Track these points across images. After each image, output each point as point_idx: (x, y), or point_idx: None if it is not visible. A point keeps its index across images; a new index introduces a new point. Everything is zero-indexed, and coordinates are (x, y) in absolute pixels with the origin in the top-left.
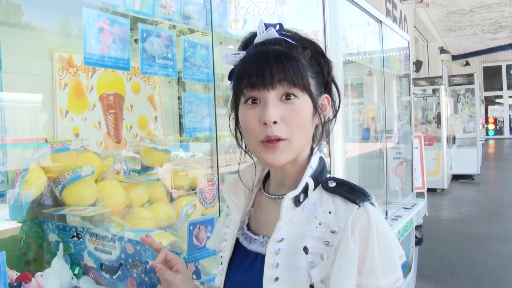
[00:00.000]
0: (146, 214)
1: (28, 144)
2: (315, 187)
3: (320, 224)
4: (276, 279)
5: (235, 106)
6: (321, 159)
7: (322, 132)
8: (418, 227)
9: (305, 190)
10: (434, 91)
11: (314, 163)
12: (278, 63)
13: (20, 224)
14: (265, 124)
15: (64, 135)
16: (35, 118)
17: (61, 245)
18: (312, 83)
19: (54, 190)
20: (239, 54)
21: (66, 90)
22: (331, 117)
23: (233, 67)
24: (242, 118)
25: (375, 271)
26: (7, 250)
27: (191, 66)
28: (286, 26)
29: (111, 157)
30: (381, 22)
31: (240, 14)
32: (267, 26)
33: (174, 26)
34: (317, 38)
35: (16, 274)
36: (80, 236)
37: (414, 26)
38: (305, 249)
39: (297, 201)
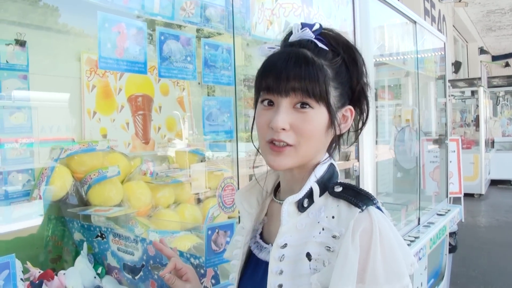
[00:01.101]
0: (172, 215)
1: (54, 144)
2: (323, 193)
3: (323, 229)
4: (280, 286)
5: (255, 102)
6: (331, 166)
7: (337, 144)
8: (452, 234)
9: (311, 195)
10: (472, 92)
11: (319, 171)
12: (296, 69)
13: (44, 223)
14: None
15: (91, 136)
16: (62, 118)
17: (85, 245)
18: (333, 94)
19: (80, 190)
20: (274, 48)
21: (94, 91)
22: (353, 128)
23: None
24: (256, 116)
25: (378, 278)
26: (32, 248)
27: (211, 69)
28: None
29: (139, 158)
30: (415, 22)
31: (264, 16)
32: (303, 25)
33: (201, 30)
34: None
35: (39, 272)
36: (104, 236)
37: (453, 26)
38: (308, 256)
39: (300, 206)
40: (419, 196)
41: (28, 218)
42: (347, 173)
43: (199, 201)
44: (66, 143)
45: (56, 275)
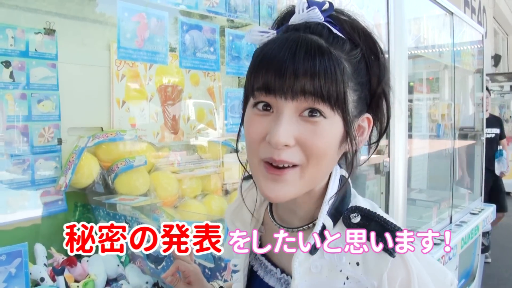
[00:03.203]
0: (198, 206)
1: (82, 132)
2: (335, 221)
3: (347, 278)
4: None
5: (244, 102)
6: (342, 180)
7: (352, 162)
8: (485, 234)
9: (322, 230)
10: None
11: (331, 192)
12: (308, 62)
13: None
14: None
15: (120, 125)
16: (90, 107)
17: None
18: (351, 98)
19: (107, 179)
20: (268, 33)
21: (123, 81)
22: (370, 140)
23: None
24: (246, 125)
25: None
26: (58, 233)
27: (235, 60)
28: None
29: (167, 148)
30: (452, 13)
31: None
32: (310, 3)
33: (230, 21)
34: (379, 32)
35: (63, 258)
36: (129, 224)
37: (494, 18)
38: None
39: (313, 250)
40: (452, 194)
41: (53, 205)
42: (376, 168)
43: (226, 192)
44: (95, 131)
45: (80, 261)
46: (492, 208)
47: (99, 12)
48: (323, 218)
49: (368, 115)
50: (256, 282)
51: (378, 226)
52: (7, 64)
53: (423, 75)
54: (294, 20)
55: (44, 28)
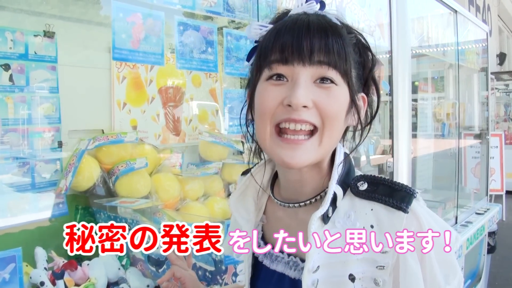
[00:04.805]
0: (200, 208)
1: (83, 135)
2: (344, 193)
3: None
4: None
5: (252, 87)
6: (345, 155)
7: (361, 133)
8: (491, 234)
9: (333, 200)
10: None
11: (338, 161)
12: (322, 35)
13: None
14: (290, 106)
15: (121, 127)
16: (91, 109)
17: None
18: (353, 73)
19: (108, 181)
20: (267, 27)
21: (124, 83)
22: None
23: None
24: (260, 95)
25: (438, 283)
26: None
27: (233, 60)
28: (346, 17)
29: (168, 150)
30: (456, 12)
31: (292, 4)
32: None
33: (233, 21)
34: (382, 31)
35: (63, 261)
36: (130, 227)
37: (498, 16)
38: (351, 277)
39: (325, 218)
40: (457, 194)
41: (54, 208)
42: (380, 169)
43: (229, 194)
44: (95, 134)
45: (80, 265)
46: (497, 208)
47: (98, 14)
48: (334, 187)
49: (363, 94)
50: (262, 271)
51: (386, 188)
52: (7, 67)
53: (428, 74)
54: (294, 11)
55: (44, 31)
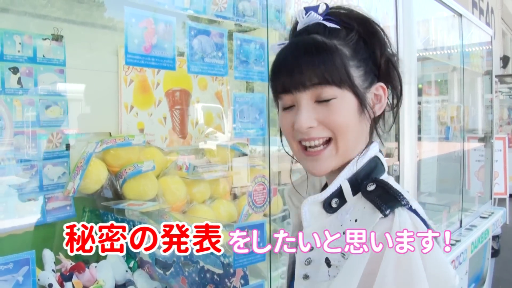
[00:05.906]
0: (207, 211)
1: (90, 138)
2: (357, 192)
3: (343, 233)
4: None
5: (277, 105)
6: (373, 159)
7: (375, 128)
8: (495, 237)
9: (342, 194)
10: None
11: (358, 164)
12: (308, 57)
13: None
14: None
15: (128, 130)
16: (98, 112)
17: None
18: (356, 74)
19: (115, 184)
20: (284, 44)
21: (131, 86)
22: (391, 107)
23: None
24: (280, 123)
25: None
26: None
27: (244, 65)
28: None
29: (175, 153)
30: (461, 15)
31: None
32: (307, 10)
33: (238, 25)
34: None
35: (71, 264)
36: None
37: (502, 19)
38: (327, 261)
39: (327, 206)
40: (462, 197)
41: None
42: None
43: (235, 197)
44: (103, 137)
45: (88, 267)
46: (502, 211)
47: (106, 18)
48: (340, 180)
49: (381, 83)
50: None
51: (383, 191)
52: (15, 70)
53: (432, 77)
54: (298, 27)
55: (52, 34)
